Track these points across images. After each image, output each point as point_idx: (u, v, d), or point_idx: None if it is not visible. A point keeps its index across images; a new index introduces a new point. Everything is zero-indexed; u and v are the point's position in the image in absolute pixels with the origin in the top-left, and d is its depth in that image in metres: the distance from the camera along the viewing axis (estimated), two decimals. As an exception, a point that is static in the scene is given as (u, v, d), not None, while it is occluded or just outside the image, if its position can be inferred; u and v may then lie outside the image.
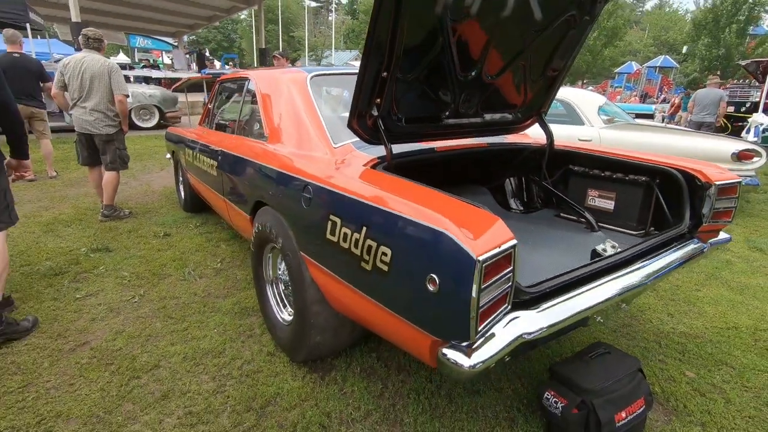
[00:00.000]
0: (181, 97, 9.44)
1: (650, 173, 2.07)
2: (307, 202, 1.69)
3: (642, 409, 1.65)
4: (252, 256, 2.30)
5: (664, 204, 2.02)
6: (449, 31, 1.67)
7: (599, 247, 1.69)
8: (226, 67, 20.21)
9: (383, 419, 1.75)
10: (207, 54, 21.74)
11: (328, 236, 1.53)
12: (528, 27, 1.87)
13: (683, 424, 1.78)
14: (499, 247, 1.03)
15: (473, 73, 1.92)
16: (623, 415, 1.59)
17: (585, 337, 2.37)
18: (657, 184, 2.05)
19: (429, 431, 1.69)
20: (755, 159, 4.64)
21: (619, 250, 1.66)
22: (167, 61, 24.43)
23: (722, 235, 2.02)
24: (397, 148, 1.90)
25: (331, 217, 1.52)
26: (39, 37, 13.30)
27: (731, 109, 11.28)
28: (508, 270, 1.08)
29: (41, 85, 5.24)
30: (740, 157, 4.57)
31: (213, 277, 2.98)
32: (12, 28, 5.81)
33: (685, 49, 28.63)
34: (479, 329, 1.06)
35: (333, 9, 52.54)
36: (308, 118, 1.99)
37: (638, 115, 10.47)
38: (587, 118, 5.05)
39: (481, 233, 1.05)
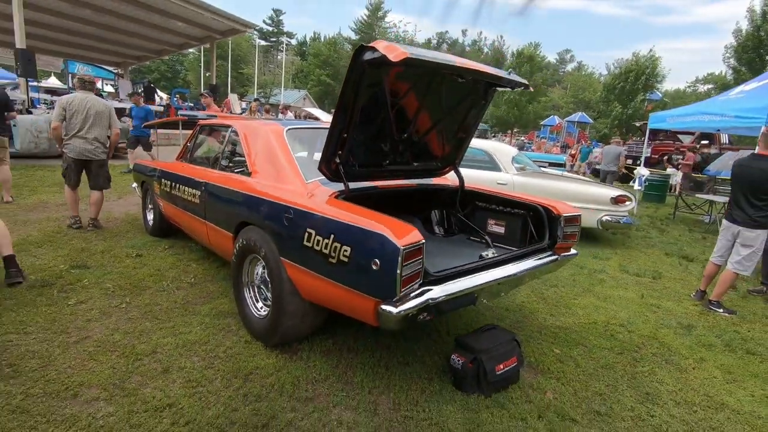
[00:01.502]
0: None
1: (525, 208, 2.99)
2: (288, 220, 2.38)
3: (515, 364, 2.44)
4: (233, 266, 2.90)
5: (533, 229, 2.93)
6: (389, 106, 2.50)
7: (483, 254, 2.54)
8: (175, 99, 20.34)
9: (338, 380, 2.40)
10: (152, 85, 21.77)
11: (305, 243, 2.22)
12: (442, 105, 2.76)
13: (546, 378, 2.59)
14: (414, 243, 1.80)
15: (405, 135, 2.76)
16: (501, 366, 2.37)
17: (484, 320, 3.18)
18: (529, 215, 2.97)
19: (370, 386, 2.37)
20: (627, 203, 5.94)
21: (495, 255, 2.51)
22: (109, 89, 23.97)
23: (572, 251, 2.96)
24: (351, 185, 2.66)
25: (308, 230, 2.22)
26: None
27: (630, 161, 13.50)
28: (419, 258, 1.85)
29: (5, 114, 5.51)
30: (616, 201, 5.84)
31: (189, 288, 3.49)
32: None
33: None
34: (402, 290, 1.80)
35: (283, 49, 54.20)
36: (285, 161, 2.71)
37: (551, 164, 12.23)
38: (503, 166, 6.18)
39: (403, 235, 1.82)
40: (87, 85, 4.90)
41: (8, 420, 1.91)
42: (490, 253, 2.53)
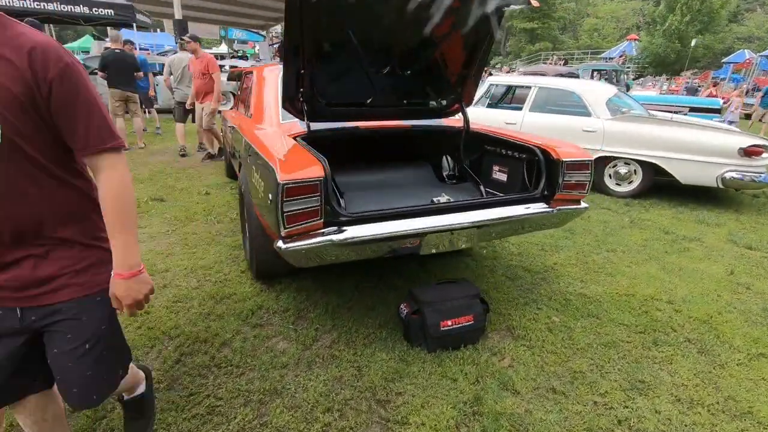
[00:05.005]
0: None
1: (525, 151, 2.53)
2: (249, 158, 2.48)
3: (469, 323, 2.21)
4: (239, 202, 3.15)
5: (525, 175, 2.49)
6: (354, 36, 2.32)
7: (435, 198, 2.27)
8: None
9: (294, 315, 2.51)
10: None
11: (252, 179, 2.30)
12: (428, 35, 2.45)
13: (517, 345, 2.29)
14: (302, 179, 1.72)
15: (386, 69, 2.55)
16: (449, 323, 2.17)
17: (492, 277, 2.90)
18: (527, 159, 2.52)
19: (320, 324, 2.41)
20: (764, 155, 4.55)
21: (449, 200, 2.23)
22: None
23: (581, 204, 2.44)
24: (328, 125, 2.61)
25: (253, 166, 2.28)
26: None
27: None
28: (312, 195, 1.76)
29: (135, 74, 6.66)
30: (747, 152, 4.52)
31: (227, 223, 3.93)
32: (124, 27, 7.40)
33: None
34: (289, 227, 1.76)
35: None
36: (266, 102, 2.77)
37: (702, 110, 9.79)
38: (593, 110, 5.24)
39: (295, 170, 1.75)
40: (185, 45, 5.91)
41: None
42: (442, 198, 2.25)
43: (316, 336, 2.32)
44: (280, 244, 1.78)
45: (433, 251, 2.17)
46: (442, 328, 2.16)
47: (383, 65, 2.52)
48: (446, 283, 2.33)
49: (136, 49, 7.49)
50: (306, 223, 1.80)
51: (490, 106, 6.11)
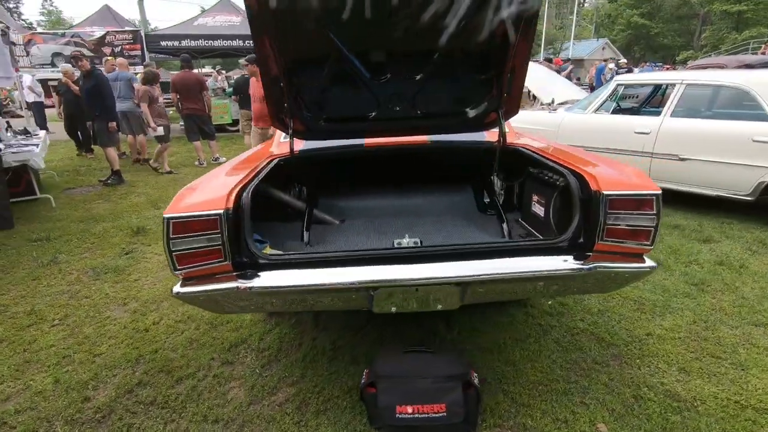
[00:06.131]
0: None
1: (558, 175, 1.75)
2: None
3: (438, 415, 1.61)
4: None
5: (553, 212, 1.71)
6: (339, 43, 1.95)
7: (397, 241, 1.69)
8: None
9: (269, 357, 2.24)
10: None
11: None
12: (432, 29, 1.92)
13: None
14: (192, 213, 1.44)
15: (387, 75, 2.09)
16: (408, 409, 1.61)
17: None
18: (560, 188, 1.73)
19: (289, 372, 2.08)
20: None
21: (417, 243, 1.65)
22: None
23: (645, 262, 1.56)
24: (329, 143, 2.30)
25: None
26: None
27: None
28: (212, 232, 1.46)
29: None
30: None
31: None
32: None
33: None
34: (179, 269, 1.48)
35: (585, -6, 47.77)
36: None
37: None
38: (773, 112, 3.68)
39: (188, 203, 1.48)
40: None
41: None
42: (407, 242, 1.65)
43: (276, 387, 2.00)
44: (176, 287, 1.53)
45: (394, 310, 1.64)
46: (398, 415, 1.61)
47: (384, 70, 2.07)
48: (420, 353, 1.75)
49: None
50: (205, 264, 1.51)
51: (617, 111, 4.87)
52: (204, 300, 1.55)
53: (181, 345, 2.34)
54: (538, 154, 2.03)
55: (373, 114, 2.24)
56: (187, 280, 1.54)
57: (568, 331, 2.36)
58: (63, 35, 10.30)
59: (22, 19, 39.96)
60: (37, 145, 4.91)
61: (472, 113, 2.26)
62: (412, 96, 2.17)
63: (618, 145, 4.53)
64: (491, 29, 1.91)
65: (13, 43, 4.67)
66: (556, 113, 5.22)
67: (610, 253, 1.58)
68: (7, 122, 5.86)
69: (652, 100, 5.14)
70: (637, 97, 5.22)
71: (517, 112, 2.26)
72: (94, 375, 2.12)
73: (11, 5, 40.44)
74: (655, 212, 1.50)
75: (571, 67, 12.31)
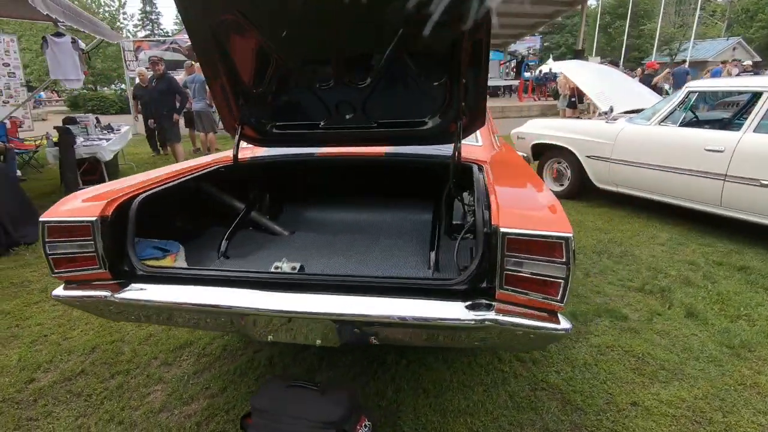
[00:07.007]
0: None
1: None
2: None
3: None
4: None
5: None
6: (276, 52, 1.84)
7: (277, 263, 1.51)
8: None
9: (206, 365, 2.21)
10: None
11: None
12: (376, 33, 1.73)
13: None
14: (64, 219, 1.44)
15: (330, 83, 1.94)
16: (280, 451, 1.45)
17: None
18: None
19: (217, 384, 2.04)
20: None
21: (294, 268, 1.48)
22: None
23: (558, 322, 1.20)
24: (279, 151, 2.22)
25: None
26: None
27: None
28: (85, 239, 1.44)
29: None
30: None
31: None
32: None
33: None
34: (56, 272, 1.49)
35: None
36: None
37: None
38: None
39: (65, 208, 1.50)
40: None
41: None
42: (284, 266, 1.46)
43: (193, 397, 1.97)
44: (56, 290, 1.55)
45: (270, 339, 1.49)
46: (268, 455, 1.46)
47: (326, 76, 1.91)
48: (298, 387, 1.56)
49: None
50: (81, 270, 1.51)
51: (686, 124, 4.08)
52: (81, 305, 1.56)
53: (138, 339, 2.43)
54: (481, 173, 1.72)
55: (323, 122, 2.10)
56: (70, 284, 1.56)
57: (531, 384, 1.99)
58: (164, 42, 11.65)
59: (160, 29, 46.51)
60: (108, 140, 5.55)
61: (430, 123, 2.01)
62: (361, 103, 1.99)
63: (683, 163, 3.80)
64: (435, 28, 1.67)
65: (82, 50, 5.31)
66: (614, 123, 4.55)
67: (517, 305, 1.26)
68: (96, 118, 6.72)
69: (733, 111, 4.22)
70: (720, 107, 4.32)
71: (483, 124, 1.97)
72: (52, 358, 2.27)
73: (153, 17, 47.35)
74: (564, 260, 1.15)
75: (667, 71, 10.69)
